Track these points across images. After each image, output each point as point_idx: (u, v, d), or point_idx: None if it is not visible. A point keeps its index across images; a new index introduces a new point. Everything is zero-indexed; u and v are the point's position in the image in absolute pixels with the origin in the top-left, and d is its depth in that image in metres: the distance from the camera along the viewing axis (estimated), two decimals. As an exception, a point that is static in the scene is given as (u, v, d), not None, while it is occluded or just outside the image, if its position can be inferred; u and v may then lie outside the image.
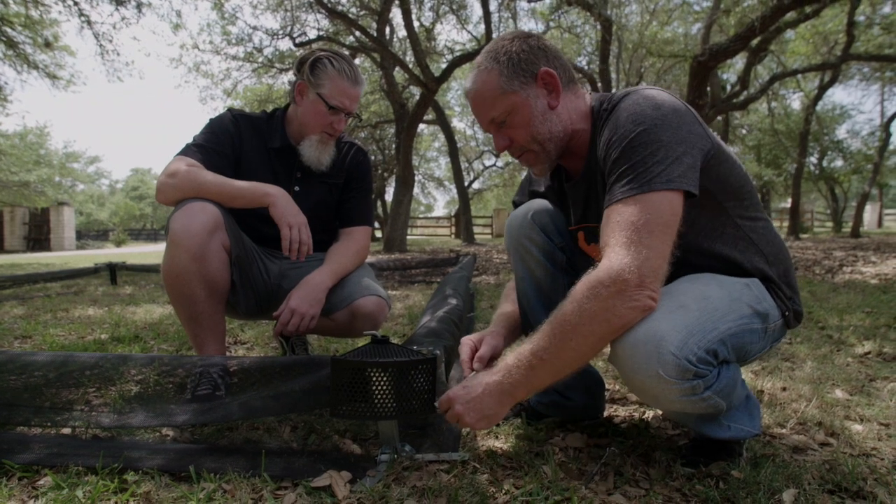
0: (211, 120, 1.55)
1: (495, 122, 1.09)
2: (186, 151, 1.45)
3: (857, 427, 1.30)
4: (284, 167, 1.57)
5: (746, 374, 1.77)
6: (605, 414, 1.38)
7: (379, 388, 0.99)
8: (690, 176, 0.93)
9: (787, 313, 1.07)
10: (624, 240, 0.89)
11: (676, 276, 1.04)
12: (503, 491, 0.97)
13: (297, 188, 1.57)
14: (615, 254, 0.89)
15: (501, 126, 1.09)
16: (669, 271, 0.93)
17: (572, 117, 1.08)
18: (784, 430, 1.28)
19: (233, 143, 1.52)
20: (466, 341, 1.20)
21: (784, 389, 1.60)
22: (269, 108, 1.71)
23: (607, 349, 0.97)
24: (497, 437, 1.24)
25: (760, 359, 1.95)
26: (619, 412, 1.42)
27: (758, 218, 1.09)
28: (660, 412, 1.38)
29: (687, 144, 0.94)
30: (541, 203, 1.27)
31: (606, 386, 1.49)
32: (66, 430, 1.22)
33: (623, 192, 0.93)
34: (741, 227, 1.06)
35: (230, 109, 1.60)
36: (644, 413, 1.40)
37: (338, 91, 1.49)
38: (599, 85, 10.20)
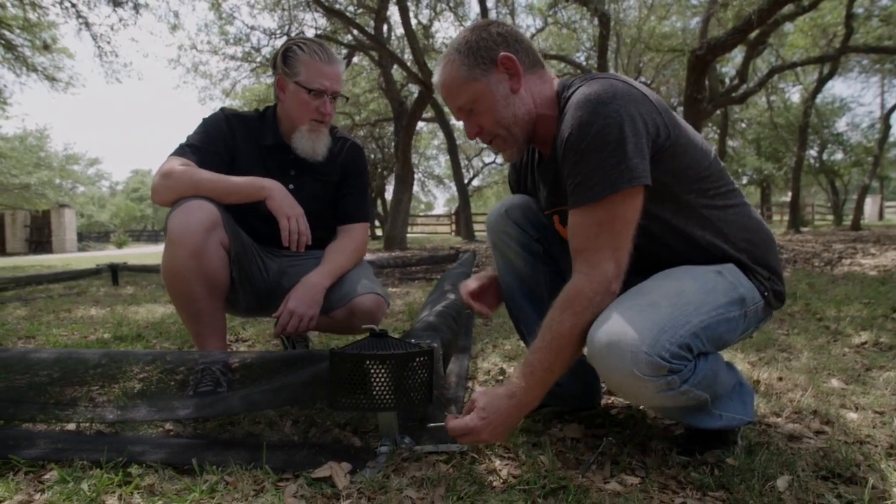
0: (204, 120, 1.55)
1: (463, 111, 1.13)
2: (180, 151, 1.45)
3: (852, 415, 1.31)
4: (278, 165, 1.57)
5: (743, 364, 1.79)
6: (602, 404, 1.40)
7: (378, 380, 1.01)
8: (650, 168, 0.97)
9: (766, 293, 1.08)
10: (599, 244, 0.97)
11: (654, 259, 1.07)
12: (501, 480, 0.99)
13: (291, 186, 1.56)
14: (595, 260, 0.98)
15: (470, 114, 1.12)
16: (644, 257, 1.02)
17: (537, 101, 1.10)
18: (779, 419, 1.30)
19: (226, 142, 1.52)
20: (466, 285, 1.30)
21: (780, 379, 1.61)
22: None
23: None
24: (495, 429, 1.25)
25: (757, 350, 1.97)
26: (616, 403, 1.44)
27: (728, 205, 1.09)
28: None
29: (642, 135, 0.96)
30: (516, 199, 1.31)
31: (604, 378, 1.51)
32: (71, 426, 1.23)
33: (590, 194, 0.96)
34: (708, 217, 1.07)
35: (222, 109, 1.60)
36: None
37: (314, 73, 1.47)
38: (598, 80, 10.16)
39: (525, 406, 1.00)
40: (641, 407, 1.39)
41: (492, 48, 1.08)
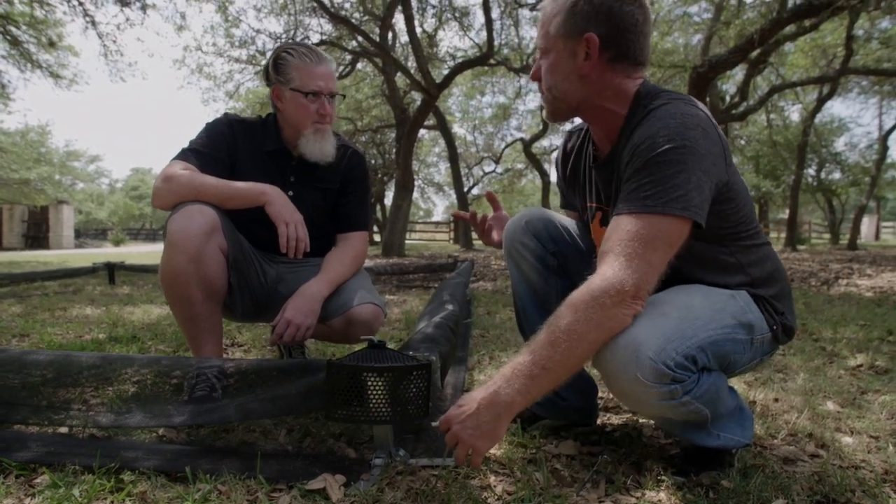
0: (207, 124, 1.56)
1: (540, 48, 1.11)
2: (182, 156, 1.46)
3: (848, 439, 1.31)
4: (279, 171, 1.57)
5: (739, 385, 1.79)
6: (599, 422, 1.39)
7: (374, 392, 1.00)
8: (705, 208, 0.95)
9: (775, 327, 1.09)
10: (629, 252, 0.92)
11: (671, 277, 1.05)
12: (495, 496, 0.98)
13: (290, 193, 1.56)
14: (619, 264, 0.92)
15: (542, 54, 1.10)
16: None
17: (605, 93, 1.06)
18: (775, 441, 1.29)
19: (228, 147, 1.53)
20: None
21: (776, 401, 1.61)
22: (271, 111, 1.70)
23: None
24: (491, 444, 1.25)
25: (754, 371, 1.97)
26: (613, 420, 1.43)
27: (754, 246, 1.10)
28: (653, 422, 1.40)
29: (708, 175, 0.95)
30: (537, 211, 1.33)
31: (600, 394, 1.50)
32: (64, 430, 1.22)
33: (638, 205, 0.94)
34: (734, 253, 1.09)
35: (226, 113, 1.60)
36: (637, 422, 1.41)
37: (307, 76, 1.49)
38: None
39: (499, 398, 0.91)
40: (637, 426, 1.39)
41: (590, 20, 1.02)
